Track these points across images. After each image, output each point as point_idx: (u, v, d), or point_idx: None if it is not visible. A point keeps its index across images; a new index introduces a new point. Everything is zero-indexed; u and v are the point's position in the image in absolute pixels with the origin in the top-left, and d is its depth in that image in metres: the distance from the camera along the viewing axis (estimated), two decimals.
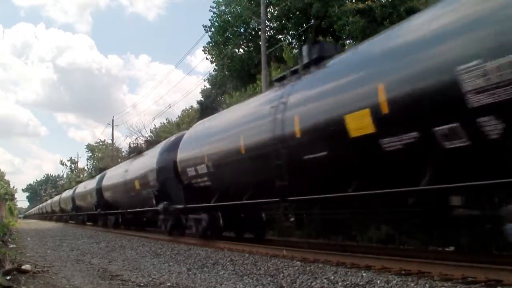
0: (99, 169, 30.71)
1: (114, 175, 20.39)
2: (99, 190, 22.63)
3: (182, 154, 12.15)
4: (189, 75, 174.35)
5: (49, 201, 54.99)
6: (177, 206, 12.36)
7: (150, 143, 17.91)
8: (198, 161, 10.90)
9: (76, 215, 31.33)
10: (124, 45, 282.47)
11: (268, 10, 21.12)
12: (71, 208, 32.46)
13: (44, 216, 58.23)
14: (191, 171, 11.31)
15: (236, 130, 9.42)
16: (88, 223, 29.07)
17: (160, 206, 13.32)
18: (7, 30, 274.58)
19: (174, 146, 13.17)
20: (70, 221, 36.05)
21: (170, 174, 12.97)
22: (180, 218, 12.60)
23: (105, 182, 21.89)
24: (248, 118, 9.31)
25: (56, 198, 45.47)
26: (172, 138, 14.64)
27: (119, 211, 19.98)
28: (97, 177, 24.83)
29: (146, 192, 14.96)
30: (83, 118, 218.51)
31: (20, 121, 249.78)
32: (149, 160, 15.13)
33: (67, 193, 36.39)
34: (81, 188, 29.48)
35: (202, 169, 10.68)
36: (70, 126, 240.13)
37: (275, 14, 22.70)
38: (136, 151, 19.72)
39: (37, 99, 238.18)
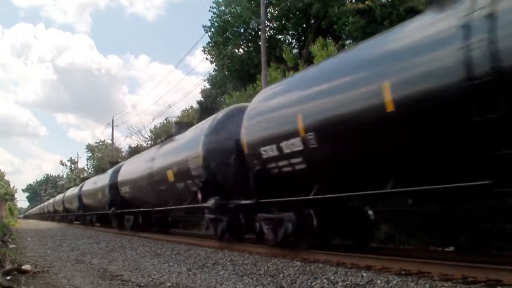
0: (109, 162, 27.19)
1: (135, 167, 16.87)
2: (113, 186, 19.38)
3: (252, 129, 8.80)
4: (188, 75, 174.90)
5: (51, 200, 52.96)
6: (241, 201, 9.28)
7: (182, 126, 14.50)
8: (284, 135, 7.57)
9: (83, 215, 27.77)
10: (123, 46, 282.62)
11: (268, 10, 21.13)
12: (77, 207, 28.97)
13: (46, 216, 56.14)
14: (268, 152, 8.01)
15: (373, 78, 5.95)
16: (97, 224, 25.67)
17: (211, 202, 10.10)
18: (6, 30, 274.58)
19: (232, 120, 10.24)
20: (75, 222, 32.82)
21: (227, 158, 9.82)
22: (238, 218, 9.72)
23: (121, 176, 18.60)
24: (399, 54, 5.77)
25: (59, 196, 42.52)
26: (223, 112, 11.20)
27: (141, 209, 16.28)
28: (110, 171, 21.34)
29: (185, 185, 11.73)
30: (83, 118, 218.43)
31: (20, 121, 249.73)
32: (189, 143, 11.69)
33: (72, 191, 33.02)
34: (89, 185, 25.93)
35: (293, 145, 7.34)
36: (70, 126, 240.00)
37: (275, 14, 22.72)
38: (166, 135, 15.61)
39: (36, 99, 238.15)
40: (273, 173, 8.19)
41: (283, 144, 7.60)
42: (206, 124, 11.34)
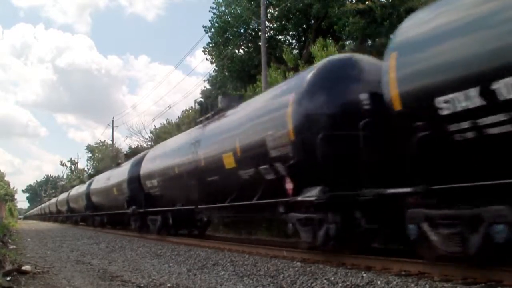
0: (125, 155, 24.63)
1: (167, 155, 13.74)
2: (134, 180, 16.34)
3: (415, 71, 5.49)
4: (188, 76, 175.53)
5: (53, 200, 51.66)
6: (388, 190, 5.90)
7: (232, 99, 11.44)
8: (504, 67, 4.35)
9: (92, 215, 25.32)
10: (123, 46, 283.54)
11: (268, 10, 21.12)
12: (84, 207, 26.38)
13: (47, 217, 55.19)
14: (457, 102, 4.79)
15: None
16: (108, 226, 23.27)
17: (312, 194, 6.91)
18: (6, 30, 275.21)
19: (337, 75, 7.31)
20: (81, 223, 30.80)
21: (341, 127, 6.76)
22: (354, 217, 6.64)
23: (146, 168, 15.38)
24: None
25: (63, 195, 40.47)
26: (317, 68, 7.79)
27: (177, 207, 13.09)
28: (128, 163, 18.34)
29: (255, 173, 8.59)
30: (83, 119, 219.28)
31: (20, 121, 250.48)
32: (264, 115, 8.52)
33: (79, 189, 30.63)
34: (101, 181, 22.91)
35: None
36: (70, 127, 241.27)
37: (275, 14, 22.70)
38: (214, 110, 11.77)
39: (36, 100, 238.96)
40: (461, 139, 4.92)
41: (501, 84, 4.36)
42: (294, 80, 8.38)
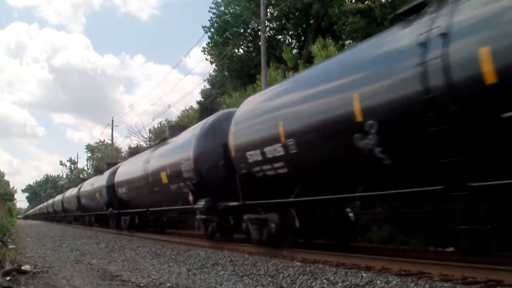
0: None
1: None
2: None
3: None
4: (185, 75, 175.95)
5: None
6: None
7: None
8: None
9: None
10: (118, 45, 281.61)
11: (267, 10, 21.11)
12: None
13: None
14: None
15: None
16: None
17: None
18: (1, 30, 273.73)
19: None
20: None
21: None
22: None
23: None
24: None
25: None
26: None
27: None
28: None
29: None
30: (81, 118, 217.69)
31: (18, 121, 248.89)
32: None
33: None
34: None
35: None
36: (68, 127, 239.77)
37: (274, 14, 22.71)
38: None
39: (33, 100, 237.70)
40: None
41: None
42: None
